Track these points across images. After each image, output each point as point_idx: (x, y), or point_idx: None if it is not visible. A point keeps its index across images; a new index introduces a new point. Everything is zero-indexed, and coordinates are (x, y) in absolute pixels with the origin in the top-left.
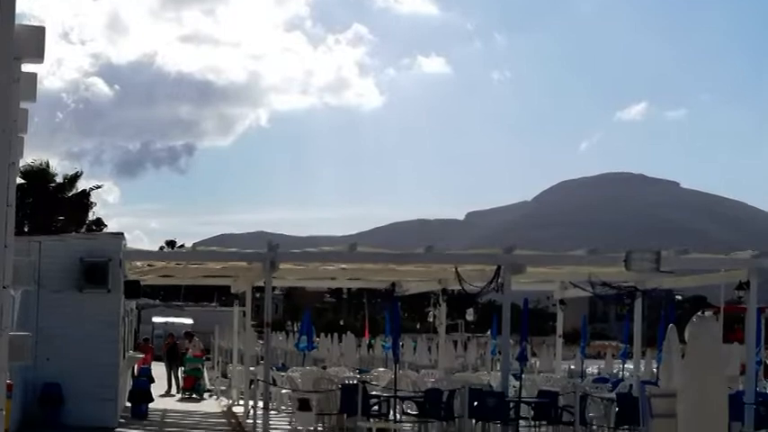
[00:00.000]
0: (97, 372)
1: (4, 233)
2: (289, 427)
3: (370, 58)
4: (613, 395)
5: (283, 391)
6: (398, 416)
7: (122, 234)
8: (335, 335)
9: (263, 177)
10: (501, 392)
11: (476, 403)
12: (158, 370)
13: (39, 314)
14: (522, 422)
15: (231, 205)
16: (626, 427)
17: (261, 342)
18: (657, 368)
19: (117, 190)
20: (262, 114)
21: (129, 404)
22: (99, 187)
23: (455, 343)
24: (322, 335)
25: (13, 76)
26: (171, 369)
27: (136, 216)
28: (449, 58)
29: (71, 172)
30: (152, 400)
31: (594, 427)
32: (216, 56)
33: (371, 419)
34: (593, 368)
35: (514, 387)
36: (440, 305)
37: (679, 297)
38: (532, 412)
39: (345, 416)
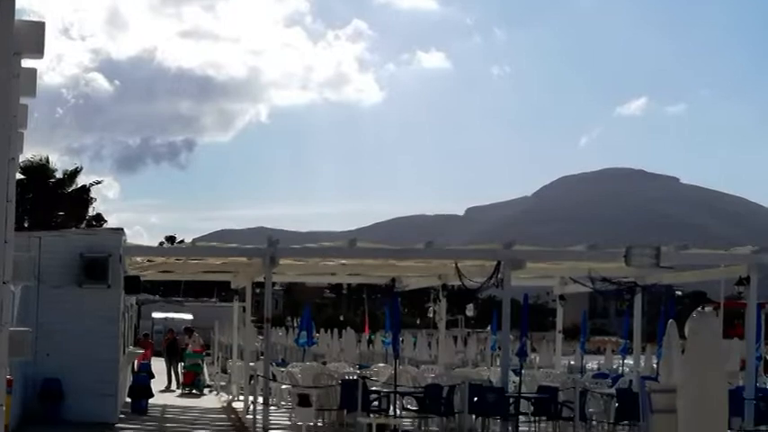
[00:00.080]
0: (97, 367)
1: (4, 229)
2: (289, 422)
3: (369, 53)
4: (613, 391)
5: (283, 386)
6: (398, 411)
7: (122, 229)
8: (335, 330)
9: (263, 173)
10: (501, 388)
11: (476, 399)
12: (158, 365)
13: (39, 310)
14: (521, 417)
15: (231, 201)
16: (626, 422)
17: (261, 337)
18: (657, 364)
19: (117, 185)
20: (262, 110)
21: (128, 400)
22: (99, 183)
23: (455, 338)
24: (322, 330)
25: (12, 71)
26: (171, 365)
27: (136, 211)
28: (448, 54)
29: (71, 167)
30: (152, 395)
31: (594, 422)
32: (216, 51)
33: (371, 415)
34: (592, 364)
35: (514, 382)
36: (440, 301)
37: (679, 292)
38: (532, 408)
39: (345, 411)
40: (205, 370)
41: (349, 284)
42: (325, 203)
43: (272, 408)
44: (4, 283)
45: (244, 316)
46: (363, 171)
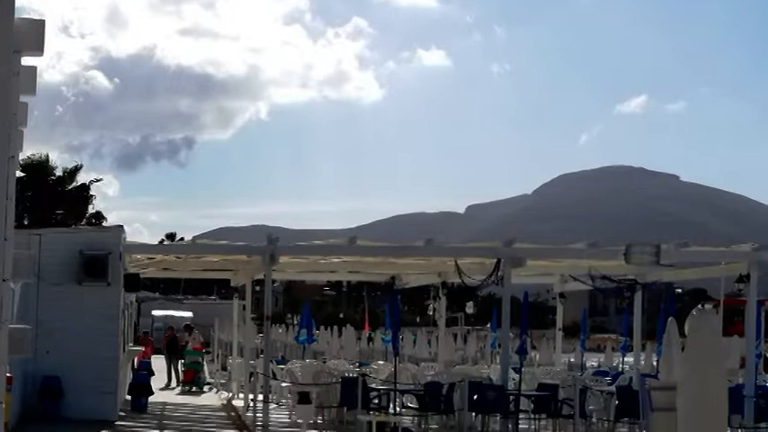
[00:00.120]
0: (97, 365)
1: (4, 226)
2: (288, 420)
3: (369, 51)
4: (613, 388)
5: (283, 384)
6: (398, 409)
7: (122, 227)
8: (335, 328)
9: (263, 171)
10: (501, 385)
11: (475, 396)
12: (158, 363)
13: (38, 307)
14: (521, 415)
15: (231, 198)
16: (626, 419)
17: (260, 335)
18: (657, 361)
19: (117, 183)
20: (261, 108)
21: (128, 397)
22: (99, 180)
23: (455, 336)
24: (322, 328)
25: (12, 69)
26: (171, 362)
27: (135, 209)
28: (448, 51)
29: (71, 165)
30: (152, 393)
31: (594, 419)
32: (215, 49)
33: (371, 412)
34: (592, 361)
35: (514, 380)
36: (440, 298)
37: (679, 290)
38: (532, 405)
39: (345, 409)
40: (205, 367)
41: (349, 282)
42: (325, 201)
43: (272, 405)
44: (3, 280)
45: (244, 313)
46: (363, 169)
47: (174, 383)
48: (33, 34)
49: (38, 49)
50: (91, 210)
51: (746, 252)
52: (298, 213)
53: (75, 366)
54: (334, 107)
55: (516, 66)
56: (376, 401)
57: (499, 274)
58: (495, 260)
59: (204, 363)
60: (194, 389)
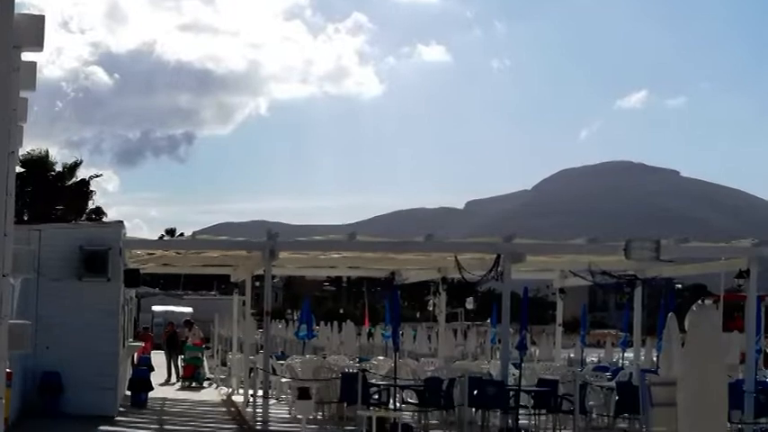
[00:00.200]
0: (97, 360)
1: (4, 222)
2: (288, 415)
3: (369, 46)
4: (613, 384)
5: (283, 379)
6: (398, 404)
7: (122, 222)
8: (335, 323)
9: (263, 166)
10: (501, 381)
11: (475, 392)
12: (158, 359)
13: (38, 303)
14: (521, 411)
15: (231, 194)
16: (626, 415)
17: (260, 331)
18: (657, 357)
19: (116, 179)
20: (261, 103)
21: (128, 393)
22: (99, 176)
23: (455, 331)
24: (322, 323)
25: (12, 64)
26: (171, 358)
27: (135, 205)
28: (448, 47)
29: (71, 161)
30: (152, 388)
31: (594, 415)
32: (215, 45)
33: (371, 408)
34: (592, 357)
35: (514, 376)
36: (439, 294)
37: (679, 285)
38: (532, 401)
39: (345, 404)
40: (205, 363)
41: (349, 277)
42: (325, 197)
43: (271, 401)
44: (3, 275)
45: (243, 309)
46: (363, 164)
47: (173, 379)
48: (33, 30)
49: (37, 44)
50: (91, 205)
51: (746, 248)
52: (298, 209)
53: (74, 362)
54: (334, 102)
55: (516, 61)
56: (376, 397)
57: (499, 269)
58: (494, 256)
59: (204, 358)
60: (194, 384)
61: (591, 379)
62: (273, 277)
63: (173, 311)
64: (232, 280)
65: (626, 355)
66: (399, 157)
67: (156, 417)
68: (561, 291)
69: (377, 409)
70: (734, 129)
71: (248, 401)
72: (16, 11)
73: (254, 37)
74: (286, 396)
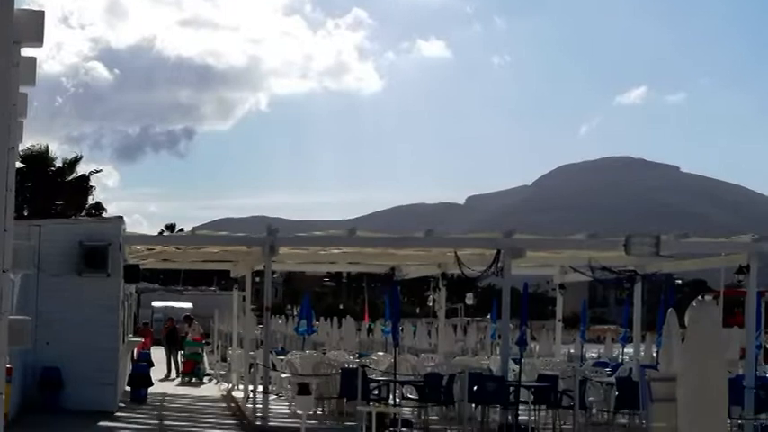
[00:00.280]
0: (97, 356)
1: (4, 217)
2: (288, 411)
3: (369, 42)
4: (613, 379)
5: (283, 375)
6: (398, 400)
7: (122, 218)
8: (335, 319)
9: (263, 162)
10: (500, 376)
11: (475, 387)
12: (158, 354)
13: (38, 298)
14: (521, 406)
15: (231, 189)
16: (625, 410)
17: (260, 326)
18: (657, 352)
19: (116, 174)
20: (261, 98)
21: (128, 388)
22: (98, 171)
23: (455, 327)
24: (321, 319)
25: (12, 60)
26: (170, 353)
27: (135, 200)
28: (448, 42)
29: (71, 156)
30: (151, 384)
31: (594, 410)
32: (215, 40)
33: (371, 403)
34: (592, 352)
35: (514, 371)
36: (439, 289)
37: (679, 281)
38: (532, 396)
39: (345, 400)
40: (205, 359)
41: (349, 273)
42: (325, 192)
43: (271, 396)
44: (3, 271)
45: (243, 304)
46: (363, 160)
47: (173, 374)
48: (33, 25)
49: (37, 40)
50: (91, 201)
51: (746, 243)
52: (298, 204)
53: (74, 357)
54: (333, 98)
55: (516, 57)
56: (376, 392)
57: (499, 265)
58: (494, 251)
59: (204, 354)
60: (194, 380)
61: (591, 374)
62: (273, 273)
63: (172, 307)
64: (232, 275)
65: (626, 350)
66: (399, 153)
67: (155, 412)
68: (561, 286)
69: (377, 404)
70: (734, 125)
71: (248, 397)
72: (16, 6)
73: (254, 32)
74: (286, 391)
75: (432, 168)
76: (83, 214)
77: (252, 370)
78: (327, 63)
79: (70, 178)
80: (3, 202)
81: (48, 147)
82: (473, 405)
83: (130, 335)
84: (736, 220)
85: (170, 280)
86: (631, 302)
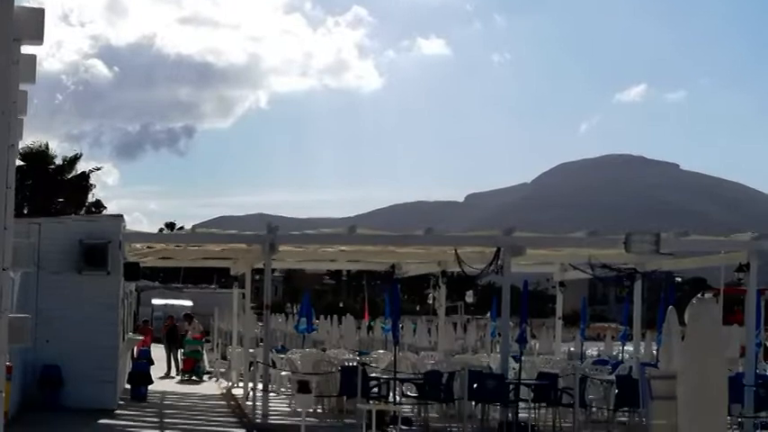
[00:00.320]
0: (96, 354)
1: (4, 215)
2: (288, 409)
3: (369, 39)
4: (613, 377)
5: (283, 373)
6: (398, 398)
7: (122, 216)
8: (335, 317)
9: (263, 159)
10: (500, 374)
11: (475, 385)
12: (158, 352)
13: (38, 296)
14: (521, 404)
15: (231, 187)
16: (625, 408)
17: (260, 324)
18: (657, 350)
19: (116, 172)
20: (261, 96)
21: (128, 386)
22: (98, 169)
23: (455, 325)
24: (321, 317)
25: (12, 57)
26: (170, 351)
27: (135, 198)
28: (448, 40)
29: (70, 154)
30: (151, 382)
31: (594, 408)
32: (215, 38)
33: (371, 401)
34: (592, 350)
35: (514, 369)
36: (439, 287)
37: (679, 279)
38: (532, 394)
39: (345, 398)
40: (205, 356)
41: (348, 271)
42: (325, 190)
43: (271, 394)
44: (3, 269)
45: (243, 302)
46: (363, 158)
47: (173, 372)
48: (33, 23)
49: (37, 37)
50: (90, 198)
51: (746, 241)
52: (298, 202)
53: (74, 355)
54: (333, 96)
55: (516, 55)
56: (376, 390)
57: (499, 262)
58: (494, 249)
59: (204, 352)
60: (194, 378)
61: (591, 372)
62: (273, 271)
63: (172, 305)
64: (232, 273)
65: (626, 348)
66: (399, 151)
67: (155, 410)
68: (561, 284)
69: (377, 402)
70: (733, 123)
71: (248, 395)
72: (16, 3)
73: (254, 30)
74: (286, 389)
75: (432, 166)
76: (83, 212)
77: (252, 368)
78: (327, 61)
79: (70, 176)
80: (2, 199)
81: (48, 144)
82: (473, 403)
83: (130, 333)
84: (735, 218)
85: (170, 278)
86: (631, 300)
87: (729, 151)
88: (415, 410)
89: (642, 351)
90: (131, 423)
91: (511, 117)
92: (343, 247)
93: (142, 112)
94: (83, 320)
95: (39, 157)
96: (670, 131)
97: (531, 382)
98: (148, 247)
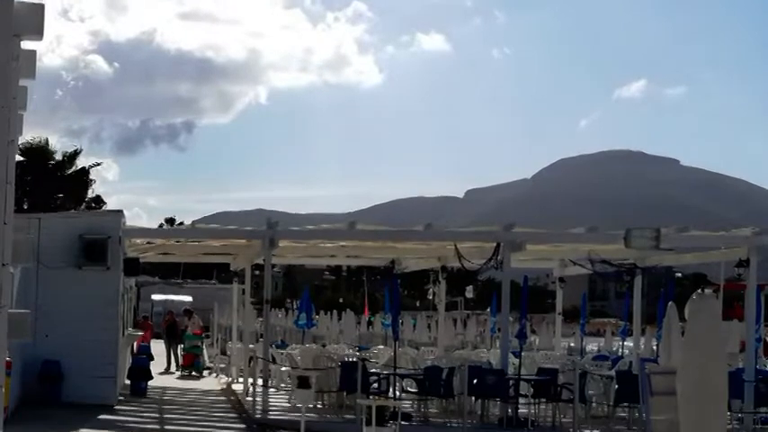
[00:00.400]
0: (96, 349)
1: (4, 210)
2: (288, 404)
3: (369, 35)
4: (613, 373)
5: (283, 368)
6: (398, 393)
7: (122, 211)
8: (335, 312)
9: (263, 155)
10: (500, 370)
11: (475, 381)
12: (158, 347)
13: (38, 291)
14: (521, 399)
15: (230, 183)
16: (625, 404)
17: (260, 319)
18: (657, 346)
19: (116, 167)
20: (261, 92)
21: (128, 381)
22: (98, 164)
23: (455, 320)
24: (321, 312)
25: (12, 53)
26: (170, 346)
27: (135, 193)
28: (448, 36)
29: (70, 149)
30: (151, 377)
31: (594, 404)
32: (215, 33)
33: (371, 397)
34: (592, 346)
35: (514, 364)
36: (439, 282)
37: (679, 274)
38: (532, 390)
39: (345, 393)
40: (204, 352)
41: (348, 266)
42: (325, 185)
43: (271, 390)
44: (3, 264)
45: (243, 298)
46: (363, 153)
47: (173, 368)
48: (33, 18)
49: (37, 33)
50: (90, 194)
51: (746, 236)
52: (297, 197)
53: (74, 351)
54: (333, 91)
55: (516, 51)
56: (375, 386)
57: (499, 258)
58: (494, 244)
59: (204, 347)
60: (194, 373)
61: (591, 368)
62: (273, 266)
63: (172, 300)
64: (232, 269)
65: (626, 343)
66: (399, 147)
67: (155, 405)
68: (561, 280)
69: (376, 397)
70: (734, 118)
71: (248, 390)
72: None
73: (253, 26)
74: (286, 385)
75: (431, 162)
76: (82, 207)
77: (251, 363)
78: (327, 56)
79: (70, 171)
80: (2, 195)
81: (47, 140)
82: (473, 398)
83: (130, 328)
84: (736, 214)
85: (170, 273)
86: (631, 296)
87: (730, 147)
88: (415, 406)
89: (642, 346)
90: (131, 418)
91: (511, 113)
92: (342, 243)
93: (142, 107)
94: (83, 316)
95: (39, 152)
96: (670, 127)
97: (530, 377)
98: (148, 243)
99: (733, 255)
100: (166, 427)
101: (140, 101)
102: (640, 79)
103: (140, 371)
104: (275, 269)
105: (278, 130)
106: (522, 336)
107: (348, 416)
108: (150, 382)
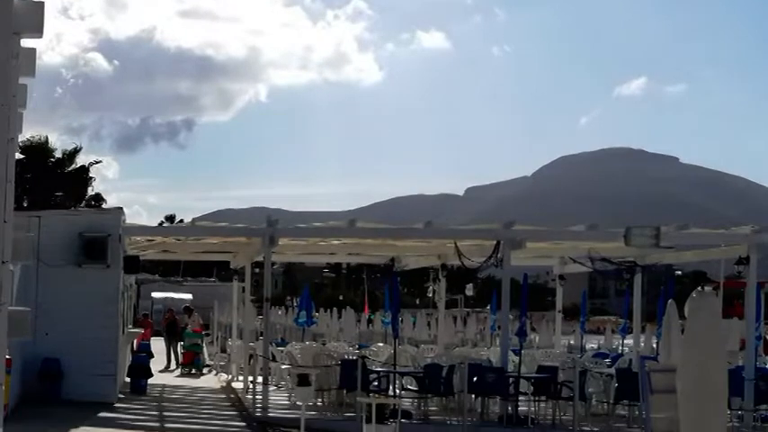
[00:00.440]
0: (96, 347)
1: (4, 208)
2: (288, 402)
3: (369, 33)
4: (613, 370)
5: (283, 366)
6: (398, 391)
7: (121, 209)
8: (335, 310)
9: (263, 153)
10: (500, 368)
11: (475, 378)
12: (158, 345)
13: (38, 289)
14: (521, 397)
15: (230, 180)
16: (625, 402)
17: (260, 317)
18: (657, 343)
19: (116, 165)
20: (261, 90)
21: (128, 379)
22: (98, 162)
23: (454, 318)
24: (321, 310)
25: (12, 51)
26: (170, 344)
27: (135, 191)
28: (448, 33)
29: (70, 147)
30: (151, 375)
31: (594, 402)
32: (215, 31)
33: (371, 395)
34: (592, 343)
35: (514, 362)
36: (439, 280)
37: (679, 272)
38: (532, 387)
39: (345, 391)
40: (204, 350)
41: (348, 264)
42: (325, 183)
43: (271, 387)
44: (3, 262)
45: (243, 296)
46: (363, 151)
47: (173, 365)
48: (33, 16)
49: (37, 30)
50: (90, 192)
51: (746, 234)
52: (297, 195)
53: (74, 348)
54: (333, 89)
55: (516, 48)
56: (375, 384)
57: (499, 256)
58: (494, 242)
59: (204, 345)
60: (194, 371)
61: (590, 366)
62: (273, 264)
63: (172, 298)
64: (232, 266)
65: (626, 341)
66: (399, 144)
67: (155, 403)
68: (561, 277)
69: (376, 395)
70: (734, 115)
71: (248, 388)
72: None
73: (253, 23)
74: (285, 383)
75: (431, 159)
76: (82, 205)
77: (251, 361)
78: (327, 54)
79: (70, 169)
80: (2, 193)
81: (47, 138)
82: (473, 396)
83: (130, 326)
84: (736, 211)
85: (170, 271)
86: (631, 293)
87: (730, 144)
88: (415, 404)
89: (642, 344)
90: (131, 416)
91: (511, 110)
92: (343, 241)
93: (142, 105)
94: (83, 313)
95: (38, 150)
96: (670, 124)
97: (530, 375)
98: (148, 241)
99: (733, 252)
100: (166, 424)
101: (140, 99)
102: (640, 77)
103: (140, 369)
104: (275, 267)
105: (278, 128)
106: (522, 333)
107: (348, 414)
108: (150, 380)
